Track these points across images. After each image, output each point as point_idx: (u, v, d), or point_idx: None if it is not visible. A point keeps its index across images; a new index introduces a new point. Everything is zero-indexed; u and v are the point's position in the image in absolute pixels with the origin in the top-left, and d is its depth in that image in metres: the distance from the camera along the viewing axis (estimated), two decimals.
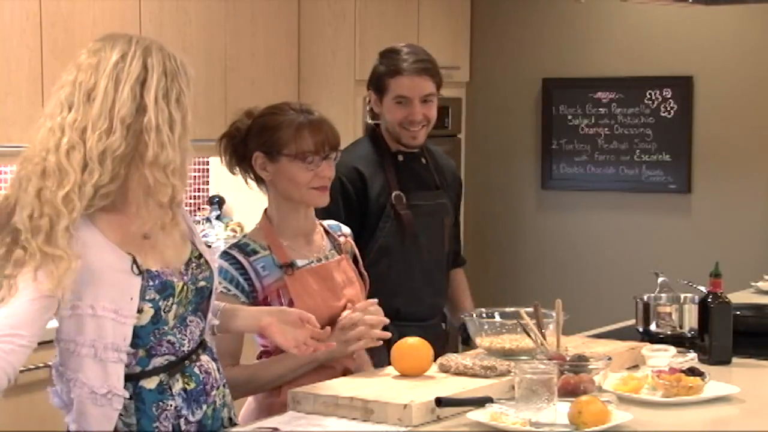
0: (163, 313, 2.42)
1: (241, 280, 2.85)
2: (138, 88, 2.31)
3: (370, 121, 3.72)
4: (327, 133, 2.91)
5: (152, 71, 2.32)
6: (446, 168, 3.82)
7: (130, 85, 2.31)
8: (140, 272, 2.37)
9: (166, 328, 2.44)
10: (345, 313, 2.92)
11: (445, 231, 3.72)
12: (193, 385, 2.49)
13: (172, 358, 2.46)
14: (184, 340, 2.49)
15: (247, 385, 2.85)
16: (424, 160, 3.72)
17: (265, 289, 2.87)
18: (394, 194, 3.57)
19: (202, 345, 2.55)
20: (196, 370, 2.51)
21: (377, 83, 3.59)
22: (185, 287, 2.47)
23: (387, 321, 2.95)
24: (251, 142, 2.93)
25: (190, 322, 2.51)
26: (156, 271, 2.41)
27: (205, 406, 2.51)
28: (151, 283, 2.39)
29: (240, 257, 2.88)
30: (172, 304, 2.43)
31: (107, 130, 2.29)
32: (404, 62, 3.56)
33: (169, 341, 2.46)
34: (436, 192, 3.71)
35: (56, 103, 2.33)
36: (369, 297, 3.03)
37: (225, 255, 2.89)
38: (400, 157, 3.64)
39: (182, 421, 2.47)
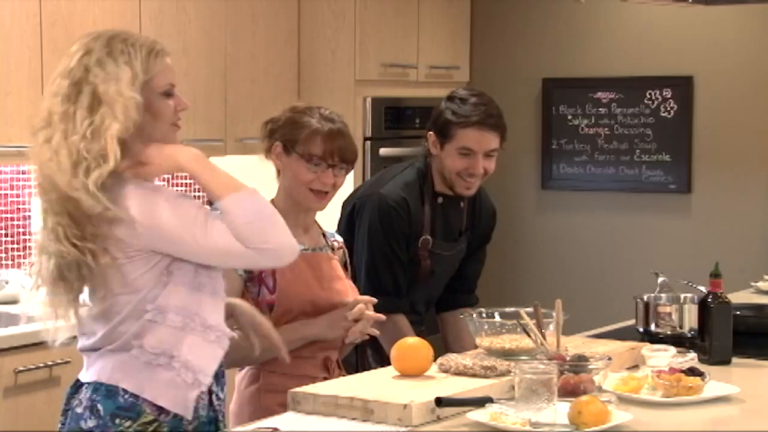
0: None
1: None
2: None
3: (426, 156, 3.65)
4: (340, 145, 3.03)
5: (92, 57, 2.54)
6: (483, 211, 3.82)
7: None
8: None
9: None
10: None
11: (452, 271, 3.78)
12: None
13: None
14: None
15: (233, 354, 2.88)
16: (462, 204, 3.73)
17: None
18: (422, 239, 3.60)
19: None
20: None
21: (443, 129, 3.55)
22: None
23: (383, 318, 3.07)
24: (277, 132, 3.08)
25: None
26: None
27: (222, 386, 2.65)
28: None
29: None
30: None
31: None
32: (475, 114, 3.51)
33: None
34: (458, 239, 3.74)
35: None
36: None
37: None
38: (440, 200, 3.65)
39: (213, 397, 2.60)
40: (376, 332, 3.05)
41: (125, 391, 2.48)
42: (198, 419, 2.55)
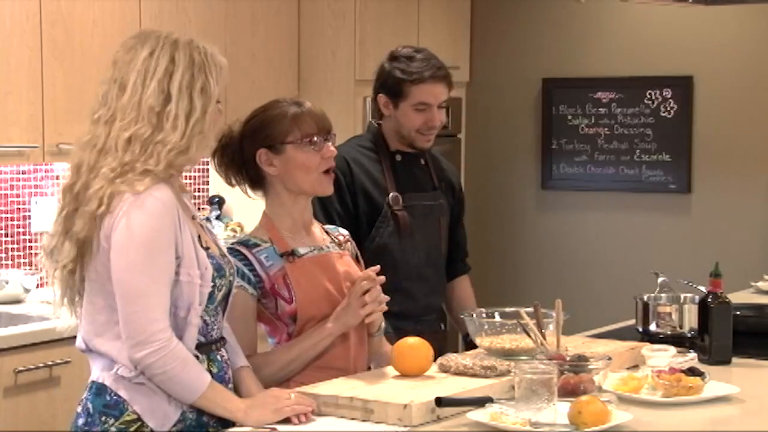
0: (216, 290, 2.57)
1: (246, 271, 2.89)
2: (165, 81, 2.49)
3: (373, 121, 3.73)
4: (323, 117, 2.99)
5: (179, 64, 2.50)
6: (448, 172, 3.86)
7: (157, 78, 2.48)
8: (204, 247, 2.57)
9: (210, 307, 2.58)
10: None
11: (442, 231, 3.76)
12: (215, 370, 2.59)
13: (202, 339, 2.57)
14: (214, 325, 2.62)
15: (264, 368, 2.86)
16: (423, 161, 3.75)
17: (270, 277, 2.91)
18: (390, 195, 3.60)
19: (222, 340, 2.67)
20: (218, 357, 2.62)
21: (394, 89, 3.59)
22: (229, 275, 2.64)
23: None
24: (249, 145, 2.96)
25: (218, 312, 2.64)
26: (210, 250, 2.60)
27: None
28: (212, 261, 2.58)
29: (243, 250, 2.93)
30: (222, 285, 2.60)
31: (134, 119, 2.47)
32: (426, 69, 3.59)
33: (204, 321, 2.58)
34: (434, 193, 3.74)
35: (96, 100, 2.54)
36: None
37: (229, 250, 2.92)
38: (398, 157, 3.68)
39: None
40: (386, 297, 2.94)
41: (111, 389, 2.51)
42: (184, 421, 2.53)
